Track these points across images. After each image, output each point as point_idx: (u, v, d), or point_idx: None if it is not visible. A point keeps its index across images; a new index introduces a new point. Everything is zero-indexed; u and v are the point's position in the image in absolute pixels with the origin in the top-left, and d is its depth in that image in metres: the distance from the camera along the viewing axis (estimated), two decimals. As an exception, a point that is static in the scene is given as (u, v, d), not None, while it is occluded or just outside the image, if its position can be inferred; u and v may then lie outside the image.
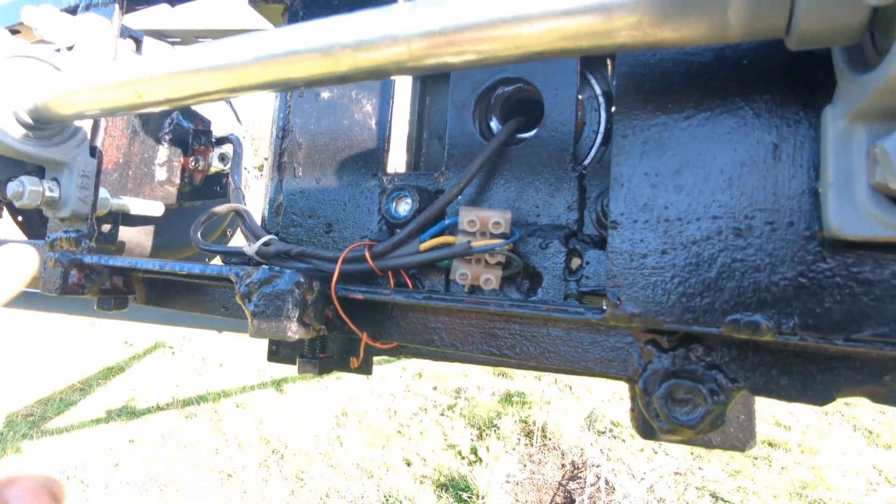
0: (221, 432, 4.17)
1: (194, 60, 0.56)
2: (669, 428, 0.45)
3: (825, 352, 0.42)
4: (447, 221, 0.59)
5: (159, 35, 1.23)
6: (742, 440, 0.50)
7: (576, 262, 0.58)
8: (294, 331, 0.54)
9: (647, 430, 0.51)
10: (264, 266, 0.59)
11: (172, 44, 1.54)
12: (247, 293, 0.57)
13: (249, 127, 1.14)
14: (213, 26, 1.51)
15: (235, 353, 5.31)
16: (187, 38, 1.51)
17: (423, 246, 0.59)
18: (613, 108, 0.50)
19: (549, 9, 0.37)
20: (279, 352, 0.70)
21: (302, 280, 0.55)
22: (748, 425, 0.50)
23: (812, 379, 0.43)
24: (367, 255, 0.60)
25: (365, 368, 0.67)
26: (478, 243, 0.55)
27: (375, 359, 0.69)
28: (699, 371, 0.45)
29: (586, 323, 0.50)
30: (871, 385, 0.41)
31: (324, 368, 0.64)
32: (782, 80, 0.42)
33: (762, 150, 0.42)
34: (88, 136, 0.81)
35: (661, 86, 0.46)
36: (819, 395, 0.43)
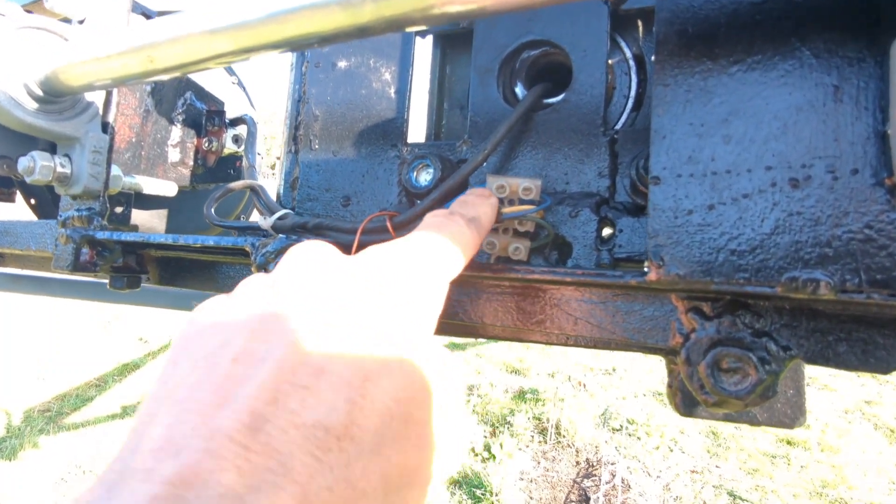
0: (234, 428, 4.18)
1: (207, 21, 0.54)
2: (716, 400, 0.42)
3: (889, 314, 0.39)
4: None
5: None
6: (791, 417, 0.46)
7: (607, 231, 0.55)
8: (312, 301, 0.52)
9: (687, 405, 0.47)
10: (281, 235, 0.57)
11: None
12: (263, 263, 0.54)
13: (260, 126, 1.13)
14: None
15: (247, 351, 5.32)
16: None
17: (447, 214, 0.56)
18: (653, 57, 0.47)
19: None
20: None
21: (320, 248, 0.53)
22: (797, 401, 0.46)
23: (874, 345, 0.40)
24: (389, 224, 0.57)
25: None
26: (508, 209, 0.52)
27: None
28: (747, 339, 0.42)
29: (624, 287, 0.47)
30: (940, 349, 0.38)
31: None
32: (843, 16, 0.38)
33: (821, 92, 0.38)
34: (100, 112, 0.80)
35: (707, 30, 0.43)
36: (882, 363, 0.39)
